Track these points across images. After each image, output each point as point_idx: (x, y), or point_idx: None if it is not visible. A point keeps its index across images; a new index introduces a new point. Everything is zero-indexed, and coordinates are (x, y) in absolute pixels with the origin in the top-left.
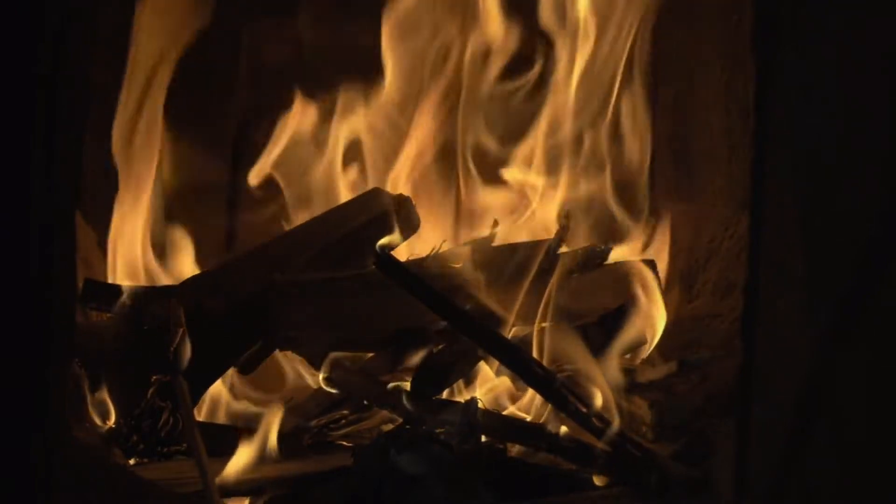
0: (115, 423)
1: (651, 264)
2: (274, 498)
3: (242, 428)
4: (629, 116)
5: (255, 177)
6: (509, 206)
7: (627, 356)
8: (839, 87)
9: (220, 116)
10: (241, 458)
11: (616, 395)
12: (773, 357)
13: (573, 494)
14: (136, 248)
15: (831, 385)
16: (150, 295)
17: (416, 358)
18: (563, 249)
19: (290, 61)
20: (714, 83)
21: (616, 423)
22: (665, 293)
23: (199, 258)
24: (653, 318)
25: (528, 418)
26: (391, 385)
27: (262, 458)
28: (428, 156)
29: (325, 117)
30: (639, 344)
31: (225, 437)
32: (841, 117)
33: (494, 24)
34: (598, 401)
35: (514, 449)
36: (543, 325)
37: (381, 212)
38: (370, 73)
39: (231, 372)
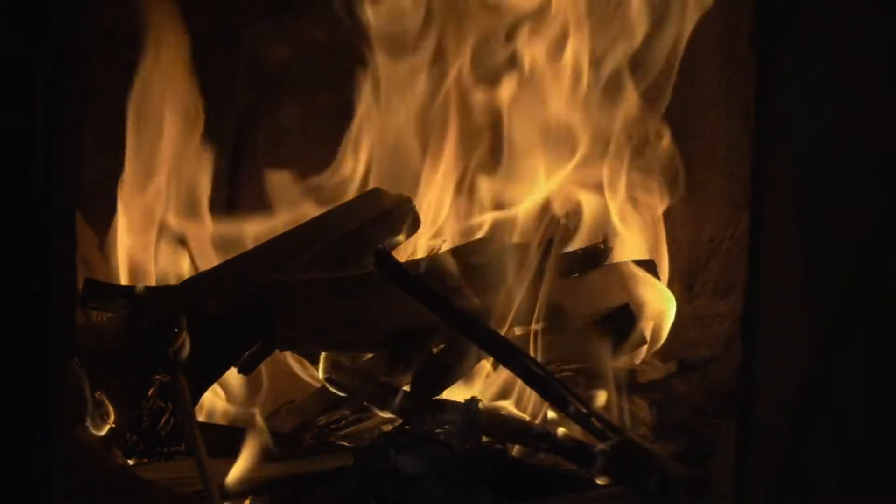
0: (115, 423)
1: (651, 265)
2: (274, 498)
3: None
4: None
5: None
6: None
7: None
8: (839, 88)
9: (220, 116)
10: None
11: (617, 396)
12: (773, 357)
13: (573, 494)
14: (138, 247)
15: (831, 385)
16: (150, 295)
17: (416, 358)
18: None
19: (290, 61)
20: (714, 83)
21: (627, 432)
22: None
23: (199, 257)
24: (661, 309)
25: (528, 418)
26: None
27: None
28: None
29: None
30: (639, 344)
31: (225, 437)
32: (840, 117)
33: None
34: (599, 401)
35: (514, 449)
36: (543, 325)
37: (381, 212)
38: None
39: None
